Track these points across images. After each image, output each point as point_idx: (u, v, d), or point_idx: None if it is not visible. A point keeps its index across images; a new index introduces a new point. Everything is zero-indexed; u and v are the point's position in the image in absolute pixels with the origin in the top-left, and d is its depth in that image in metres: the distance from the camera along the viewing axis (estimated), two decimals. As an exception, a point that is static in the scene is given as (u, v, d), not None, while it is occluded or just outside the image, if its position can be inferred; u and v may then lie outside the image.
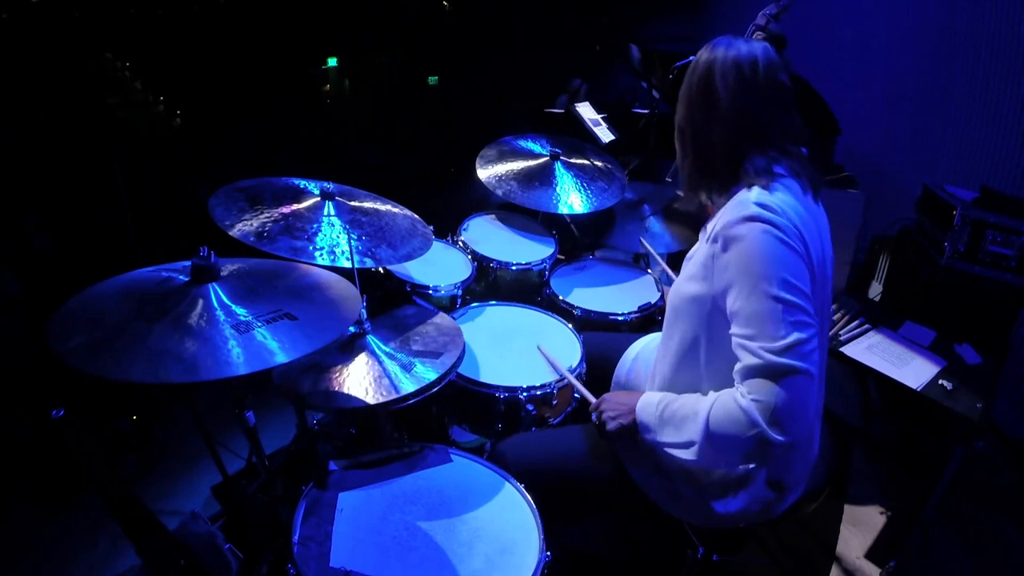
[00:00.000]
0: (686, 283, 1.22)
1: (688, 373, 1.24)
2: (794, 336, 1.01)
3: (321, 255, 1.43)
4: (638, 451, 1.33)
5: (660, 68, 4.75)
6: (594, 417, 1.34)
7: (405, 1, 5.62)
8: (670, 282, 2.07)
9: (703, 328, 1.19)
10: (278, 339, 1.04)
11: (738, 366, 1.06)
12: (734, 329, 1.08)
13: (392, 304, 1.67)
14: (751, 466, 1.22)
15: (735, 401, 1.04)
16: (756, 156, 1.16)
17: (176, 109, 3.53)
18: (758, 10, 3.35)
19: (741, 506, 1.26)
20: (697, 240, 2.38)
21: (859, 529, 2.07)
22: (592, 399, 1.44)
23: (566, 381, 1.61)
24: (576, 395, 1.69)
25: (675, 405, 1.17)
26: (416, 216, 1.81)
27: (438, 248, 2.14)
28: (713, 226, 1.15)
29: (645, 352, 1.56)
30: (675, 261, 2.14)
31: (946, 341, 1.99)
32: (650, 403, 1.22)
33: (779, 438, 1.00)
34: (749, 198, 1.10)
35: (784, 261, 1.05)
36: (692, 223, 2.40)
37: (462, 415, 1.67)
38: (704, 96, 1.18)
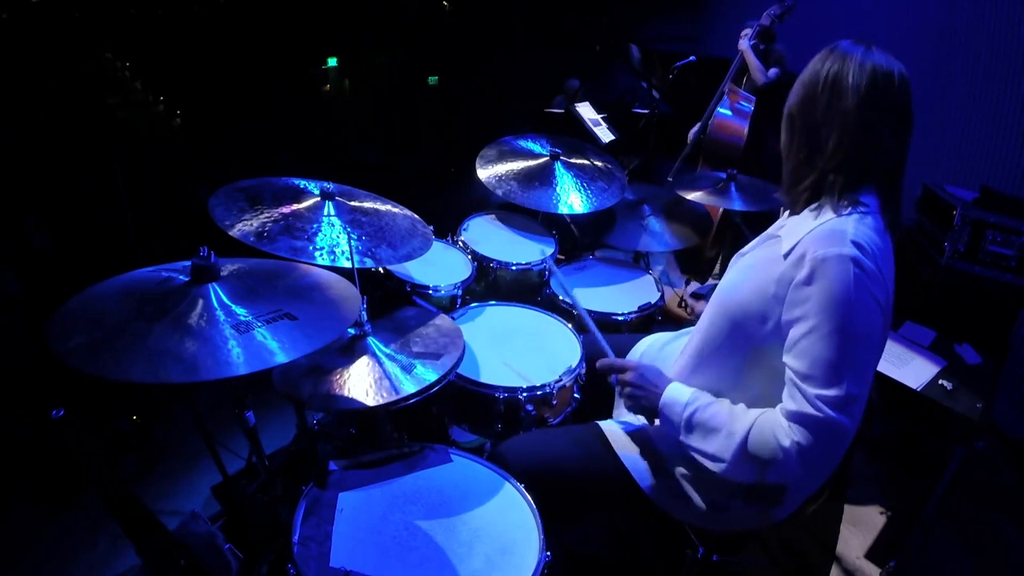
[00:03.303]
0: (748, 293, 1.15)
1: (715, 373, 1.23)
2: (852, 391, 1.00)
3: (321, 255, 1.43)
4: (641, 453, 1.33)
5: (660, 68, 4.76)
6: (613, 380, 1.32)
7: (405, 1, 5.62)
8: (671, 284, 2.07)
9: (752, 344, 1.16)
10: (278, 339, 1.04)
11: (791, 407, 1.04)
12: (791, 362, 1.06)
13: (392, 305, 1.67)
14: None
15: (776, 439, 1.04)
16: (859, 176, 1.10)
17: (176, 109, 3.53)
18: (758, 10, 3.36)
19: (744, 511, 1.26)
20: (696, 238, 2.39)
21: (859, 529, 2.07)
22: (609, 352, 1.43)
23: (565, 381, 1.61)
24: (577, 390, 1.68)
25: (706, 413, 1.16)
26: (416, 216, 1.81)
27: (438, 248, 2.14)
28: (797, 244, 1.09)
29: (650, 352, 1.55)
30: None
31: (946, 341, 2.00)
32: (677, 402, 1.20)
33: (807, 476, 1.05)
34: (847, 231, 1.04)
35: (867, 315, 1.02)
36: (692, 223, 2.40)
37: (462, 415, 1.67)
38: (831, 95, 1.09)
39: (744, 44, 3.30)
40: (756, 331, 1.14)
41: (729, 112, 3.36)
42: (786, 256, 1.10)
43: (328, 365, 1.34)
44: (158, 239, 2.73)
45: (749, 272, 1.19)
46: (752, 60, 3.30)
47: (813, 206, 1.14)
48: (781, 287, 1.08)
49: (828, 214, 1.10)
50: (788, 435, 1.03)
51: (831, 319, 1.01)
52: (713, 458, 1.13)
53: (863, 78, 1.07)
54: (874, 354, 1.07)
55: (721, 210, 3.02)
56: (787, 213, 1.26)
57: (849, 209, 1.08)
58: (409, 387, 1.30)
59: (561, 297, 2.02)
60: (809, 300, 1.03)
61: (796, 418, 1.03)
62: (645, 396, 1.25)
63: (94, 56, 3.32)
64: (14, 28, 2.94)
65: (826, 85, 1.10)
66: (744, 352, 1.18)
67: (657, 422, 1.25)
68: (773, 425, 1.06)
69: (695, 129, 3.53)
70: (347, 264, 1.42)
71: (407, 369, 1.35)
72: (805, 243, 1.07)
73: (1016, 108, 2.60)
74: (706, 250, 3.30)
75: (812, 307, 1.03)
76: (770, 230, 1.27)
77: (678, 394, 1.21)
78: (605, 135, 3.89)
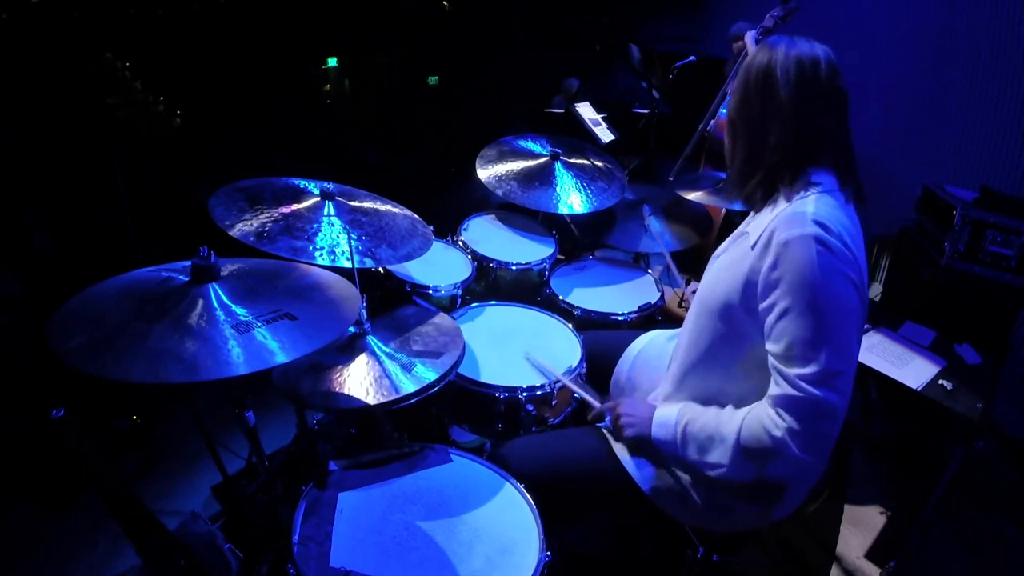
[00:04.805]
0: (724, 289, 1.17)
1: (707, 375, 1.24)
2: (832, 366, 1.00)
3: (321, 255, 1.43)
4: (642, 456, 1.33)
5: (660, 68, 4.76)
6: (607, 421, 1.34)
7: (405, 1, 5.62)
8: (671, 284, 2.07)
9: (734, 337, 1.17)
10: (278, 339, 1.04)
11: (775, 392, 1.05)
12: (771, 347, 1.07)
13: (392, 304, 1.67)
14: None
15: (767, 433, 1.05)
16: (806, 161, 1.12)
17: (176, 109, 3.53)
18: (758, 10, 3.36)
19: (745, 511, 1.26)
20: (696, 238, 2.40)
21: (859, 529, 2.07)
22: (595, 403, 1.44)
23: (564, 383, 1.61)
24: (576, 396, 1.68)
25: (697, 424, 1.17)
26: (416, 216, 1.81)
27: (438, 248, 2.14)
28: (762, 234, 1.11)
29: (648, 350, 1.56)
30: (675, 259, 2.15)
31: (946, 341, 2.00)
32: (667, 421, 1.21)
33: (808, 459, 1.03)
34: (807, 212, 1.06)
35: (837, 290, 1.02)
36: (692, 222, 2.40)
37: (462, 415, 1.67)
38: (763, 91, 1.13)
39: (749, 44, 3.29)
40: (738, 325, 1.16)
41: None
42: (753, 247, 1.12)
43: (328, 363, 1.34)
44: (158, 239, 2.73)
45: (723, 270, 1.22)
46: None
47: (771, 199, 1.17)
48: (752, 277, 1.11)
49: (783, 202, 1.12)
50: (777, 425, 1.04)
51: (801, 299, 1.02)
52: (713, 467, 1.15)
53: (790, 68, 1.10)
54: (852, 328, 1.07)
55: (724, 211, 3.01)
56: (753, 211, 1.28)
57: (802, 192, 1.11)
58: (409, 386, 1.30)
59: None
60: (778, 284, 1.05)
61: (781, 402, 1.04)
62: (638, 422, 1.27)
63: (94, 56, 3.32)
64: (14, 28, 2.94)
65: (757, 82, 1.14)
66: (731, 348, 1.19)
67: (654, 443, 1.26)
68: (761, 419, 1.07)
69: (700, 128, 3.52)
70: (347, 264, 1.42)
71: (407, 368, 1.35)
72: (769, 230, 1.09)
73: (1016, 108, 2.60)
74: (709, 250, 3.30)
75: (782, 291, 1.05)
76: (740, 228, 1.29)
77: (666, 415, 1.23)
78: (605, 135, 3.88)
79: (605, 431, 1.40)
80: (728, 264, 1.21)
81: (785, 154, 1.13)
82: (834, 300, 1.02)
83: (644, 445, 1.28)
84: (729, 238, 1.31)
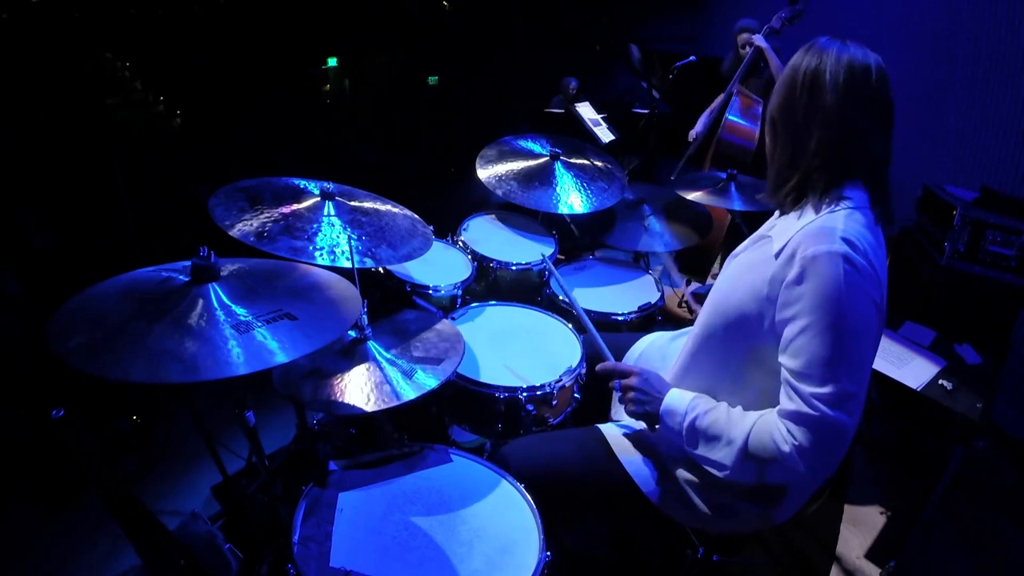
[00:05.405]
0: (741, 293, 1.16)
1: (712, 374, 1.23)
2: (848, 388, 1.00)
3: (321, 255, 1.43)
4: (643, 457, 1.33)
5: (660, 68, 4.77)
6: (616, 385, 1.32)
7: (405, 1, 5.62)
8: (671, 284, 2.07)
9: (748, 345, 1.16)
10: (278, 339, 1.04)
11: (788, 407, 1.04)
12: (787, 362, 1.06)
13: (392, 306, 1.66)
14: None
15: (775, 444, 1.04)
16: (843, 170, 1.10)
17: (176, 109, 3.53)
18: (759, 10, 3.36)
19: (747, 513, 1.26)
20: (696, 238, 2.39)
21: (859, 529, 2.07)
22: (609, 354, 1.41)
23: (565, 381, 1.61)
24: (577, 390, 1.68)
25: (705, 420, 1.15)
26: (416, 216, 1.81)
27: (438, 248, 2.14)
28: (787, 243, 1.09)
29: (650, 351, 1.55)
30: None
31: (946, 341, 1.99)
32: (677, 410, 1.19)
33: (812, 476, 1.04)
34: (836, 228, 1.03)
35: (860, 312, 1.01)
36: (692, 222, 2.40)
37: (462, 415, 1.67)
38: (810, 93, 1.09)
39: (764, 44, 3.29)
40: (752, 332, 1.14)
41: (739, 115, 3.34)
42: (777, 256, 1.10)
43: (329, 369, 1.33)
44: (158, 239, 2.74)
45: (742, 274, 1.19)
46: (775, 61, 3.29)
47: (800, 205, 1.15)
48: (773, 287, 1.08)
49: (811, 213, 1.10)
50: (786, 439, 1.03)
51: (823, 317, 1.01)
52: (717, 465, 1.14)
53: (840, 73, 1.07)
54: (870, 350, 1.06)
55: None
56: (777, 213, 1.26)
57: (832, 205, 1.08)
58: (409, 393, 1.29)
59: (560, 297, 2.01)
60: (801, 299, 1.03)
61: (793, 417, 1.03)
62: (649, 402, 1.24)
63: (94, 56, 3.32)
64: (14, 28, 2.94)
65: (804, 84, 1.10)
66: (741, 353, 1.18)
67: (658, 427, 1.25)
68: (771, 429, 1.06)
69: (698, 129, 3.51)
70: (347, 264, 1.42)
71: (408, 374, 1.35)
72: (795, 242, 1.07)
73: (1015, 108, 2.60)
74: (713, 251, 3.30)
75: (804, 306, 1.03)
76: (761, 230, 1.27)
77: (677, 402, 1.21)
78: (605, 135, 3.89)
79: (608, 432, 1.40)
80: (747, 267, 1.19)
81: (825, 158, 1.10)
82: (856, 321, 1.01)
83: (647, 422, 1.26)
84: (749, 240, 1.29)
